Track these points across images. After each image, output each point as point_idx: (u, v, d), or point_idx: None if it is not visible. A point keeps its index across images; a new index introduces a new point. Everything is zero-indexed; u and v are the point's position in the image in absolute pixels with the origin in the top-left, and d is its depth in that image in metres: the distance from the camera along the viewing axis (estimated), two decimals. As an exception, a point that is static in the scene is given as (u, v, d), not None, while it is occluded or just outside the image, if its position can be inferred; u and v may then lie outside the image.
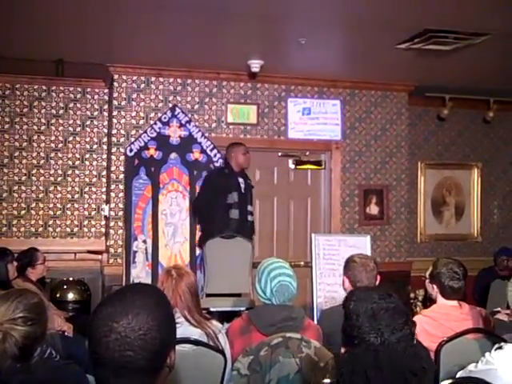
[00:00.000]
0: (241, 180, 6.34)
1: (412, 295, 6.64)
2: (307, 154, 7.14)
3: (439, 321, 3.51)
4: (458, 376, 2.66)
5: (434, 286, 3.62)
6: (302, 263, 6.78)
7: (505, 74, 6.59)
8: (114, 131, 6.54)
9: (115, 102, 6.54)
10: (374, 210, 7.27)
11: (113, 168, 6.53)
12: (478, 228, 8.13)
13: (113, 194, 6.52)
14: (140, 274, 6.27)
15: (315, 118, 7.07)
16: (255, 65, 6.20)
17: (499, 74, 6.60)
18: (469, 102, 7.73)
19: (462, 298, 3.76)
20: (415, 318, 3.58)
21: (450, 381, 2.46)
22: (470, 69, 6.37)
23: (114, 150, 6.54)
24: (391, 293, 1.92)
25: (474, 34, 5.17)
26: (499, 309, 4.52)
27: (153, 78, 6.64)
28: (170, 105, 6.63)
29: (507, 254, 7.12)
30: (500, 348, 2.56)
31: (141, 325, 1.50)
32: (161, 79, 6.67)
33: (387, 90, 7.32)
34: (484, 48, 5.50)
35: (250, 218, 6.40)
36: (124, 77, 6.56)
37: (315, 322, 4.16)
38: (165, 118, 6.52)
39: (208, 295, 5.97)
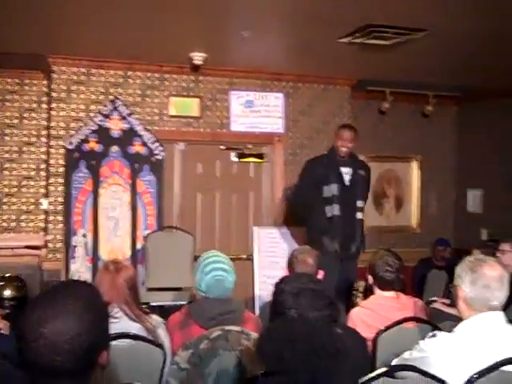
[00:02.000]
0: (345, 170, 5.67)
1: (354, 286, 6.74)
2: (250, 146, 7.15)
3: (377, 311, 3.57)
4: (393, 363, 2.71)
5: (370, 277, 3.71)
6: (244, 256, 6.80)
7: (442, 70, 6.73)
8: (54, 124, 6.41)
9: (54, 94, 6.41)
10: (316, 202, 7.32)
11: (52, 161, 6.40)
12: (416, 219, 8.30)
13: (52, 188, 6.39)
14: (80, 268, 6.18)
15: (258, 111, 7.08)
16: (198, 57, 6.17)
17: (437, 70, 6.73)
18: (409, 96, 7.88)
19: (402, 288, 3.84)
20: (354, 311, 3.66)
21: (385, 368, 2.49)
22: (410, 64, 6.48)
23: (53, 143, 6.41)
24: (318, 280, 2.02)
25: (413, 30, 5.24)
26: (435, 298, 4.63)
27: (93, 70, 6.53)
28: (111, 97, 6.53)
29: (444, 245, 7.31)
30: (433, 336, 2.62)
31: (69, 329, 1.49)
32: (101, 71, 6.56)
33: (330, 84, 7.38)
34: (423, 43, 5.59)
35: (359, 215, 5.70)
36: (63, 68, 6.43)
37: (257, 314, 4.17)
38: (105, 110, 6.43)
39: (149, 289, 5.94)
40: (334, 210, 5.56)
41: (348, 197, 5.61)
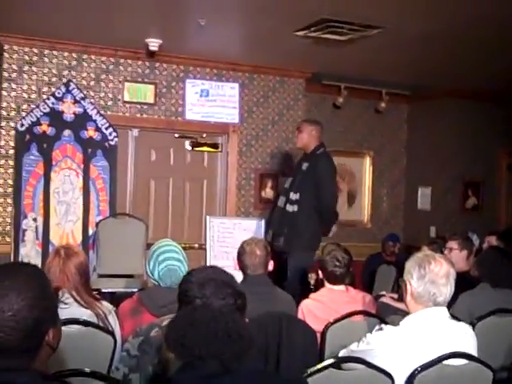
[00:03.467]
0: (304, 164, 5.80)
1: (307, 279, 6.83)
2: (204, 136, 7.13)
3: (326, 304, 3.64)
4: (340, 355, 2.77)
5: (320, 272, 3.78)
6: (197, 245, 6.80)
7: (395, 67, 6.83)
8: (4, 104, 6.27)
9: (5, 74, 6.27)
10: (269, 194, 7.38)
11: (2, 143, 6.26)
12: (368, 215, 8.42)
13: (2, 170, 6.26)
14: (30, 253, 6.08)
15: (213, 101, 7.07)
16: (153, 44, 6.11)
17: (391, 67, 6.83)
18: (362, 91, 7.96)
19: (351, 282, 3.92)
20: (303, 303, 3.72)
21: (332, 360, 2.55)
22: (364, 60, 6.56)
23: (3, 124, 6.27)
24: (226, 271, 2.17)
25: (368, 27, 5.32)
26: (384, 292, 4.72)
27: (46, 51, 6.40)
28: (65, 80, 6.43)
29: (393, 240, 7.43)
30: (380, 329, 2.69)
31: (10, 306, 1.49)
32: (55, 52, 6.44)
33: (285, 76, 7.42)
34: (377, 41, 5.68)
35: (288, 207, 5.72)
36: (15, 47, 6.28)
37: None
38: (58, 93, 6.32)
39: (100, 276, 5.90)
40: (278, 201, 5.94)
41: (291, 188, 5.81)
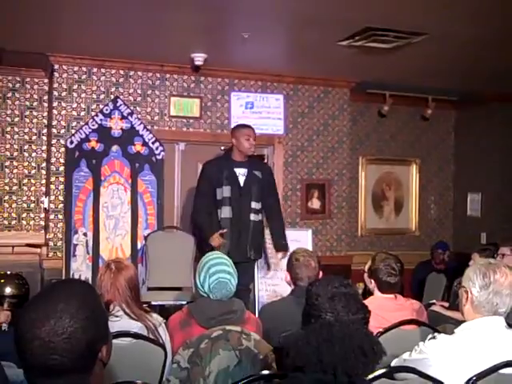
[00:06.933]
0: (241, 171, 5.53)
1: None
2: (250, 148, 7.15)
3: (375, 311, 3.57)
4: (392, 364, 2.73)
5: (372, 281, 3.71)
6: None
7: (442, 73, 6.75)
8: (55, 122, 6.42)
9: (55, 93, 6.43)
10: (315, 204, 7.36)
11: (53, 160, 6.41)
12: (416, 222, 8.32)
13: (53, 187, 6.40)
14: (80, 267, 6.18)
15: (258, 113, 7.10)
16: (198, 58, 6.20)
17: (437, 73, 6.76)
18: (408, 99, 7.90)
19: (400, 290, 3.85)
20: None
21: (384, 370, 2.51)
22: (410, 67, 6.51)
23: (54, 141, 6.42)
24: (350, 283, 2.17)
25: (412, 34, 5.28)
26: (434, 301, 4.65)
27: (94, 69, 6.54)
28: (112, 96, 6.55)
29: (443, 248, 7.34)
30: (433, 338, 2.64)
31: (64, 328, 1.49)
32: (103, 70, 6.58)
33: (329, 86, 7.41)
34: (422, 47, 5.63)
35: (253, 217, 5.52)
36: (65, 67, 6.44)
37: (257, 315, 4.19)
38: (106, 109, 6.44)
39: (150, 289, 5.96)
40: (224, 212, 5.46)
41: (243, 199, 5.50)
